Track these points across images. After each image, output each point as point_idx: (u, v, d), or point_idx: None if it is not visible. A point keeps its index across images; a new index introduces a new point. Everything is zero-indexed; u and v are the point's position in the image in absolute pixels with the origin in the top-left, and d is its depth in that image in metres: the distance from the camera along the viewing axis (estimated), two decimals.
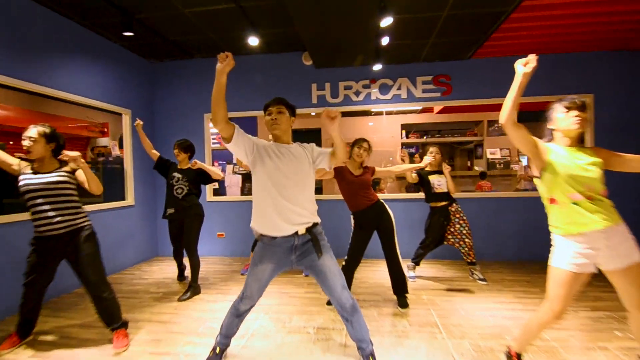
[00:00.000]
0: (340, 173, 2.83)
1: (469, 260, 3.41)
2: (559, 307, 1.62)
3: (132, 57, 4.39)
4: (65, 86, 3.42)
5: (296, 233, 1.77)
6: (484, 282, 3.35)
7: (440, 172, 3.42)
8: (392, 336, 2.34)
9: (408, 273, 3.54)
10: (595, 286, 2.93)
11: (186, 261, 3.40)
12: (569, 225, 1.58)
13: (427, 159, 3.28)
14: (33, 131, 2.13)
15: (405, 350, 2.17)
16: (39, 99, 5.05)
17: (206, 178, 3.27)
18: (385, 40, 3.14)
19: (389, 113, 6.43)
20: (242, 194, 5.03)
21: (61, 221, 2.15)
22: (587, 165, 1.57)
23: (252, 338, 2.37)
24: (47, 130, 2.18)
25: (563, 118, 1.62)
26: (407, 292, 2.83)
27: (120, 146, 4.48)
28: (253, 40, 3.67)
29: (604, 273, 1.63)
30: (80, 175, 2.25)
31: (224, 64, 1.53)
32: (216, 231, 4.63)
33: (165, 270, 4.11)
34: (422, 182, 3.42)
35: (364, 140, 2.84)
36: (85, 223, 2.28)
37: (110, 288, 2.33)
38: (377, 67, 3.97)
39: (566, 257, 1.60)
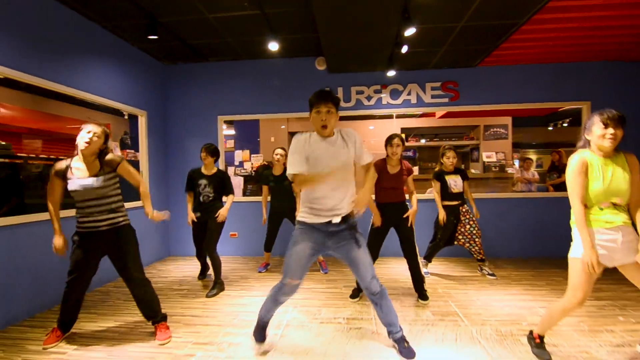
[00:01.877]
0: (378, 167, 2.92)
1: (478, 258, 3.62)
2: (581, 295, 1.78)
3: (147, 59, 4.45)
4: (85, 87, 3.46)
5: (331, 221, 1.89)
6: (493, 277, 3.56)
7: (455, 173, 3.60)
8: (418, 324, 2.51)
9: (421, 269, 3.72)
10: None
11: (208, 260, 3.50)
12: (592, 222, 1.76)
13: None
14: (97, 128, 2.22)
15: (433, 336, 2.34)
16: (41, 99, 5.02)
17: (225, 190, 3.43)
18: (404, 49, 3.33)
19: (390, 117, 6.63)
20: (244, 195, 5.07)
21: (104, 219, 2.24)
22: (619, 180, 1.71)
23: (287, 328, 2.50)
24: (108, 131, 2.29)
25: (599, 135, 1.71)
26: (424, 289, 3.00)
27: (122, 147, 4.47)
28: (273, 46, 3.80)
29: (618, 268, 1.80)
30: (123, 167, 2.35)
31: None
32: (229, 231, 4.71)
33: (182, 269, 4.17)
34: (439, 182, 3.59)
35: (395, 136, 2.90)
36: (126, 221, 2.37)
37: (150, 284, 2.41)
38: (391, 73, 4.16)
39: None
